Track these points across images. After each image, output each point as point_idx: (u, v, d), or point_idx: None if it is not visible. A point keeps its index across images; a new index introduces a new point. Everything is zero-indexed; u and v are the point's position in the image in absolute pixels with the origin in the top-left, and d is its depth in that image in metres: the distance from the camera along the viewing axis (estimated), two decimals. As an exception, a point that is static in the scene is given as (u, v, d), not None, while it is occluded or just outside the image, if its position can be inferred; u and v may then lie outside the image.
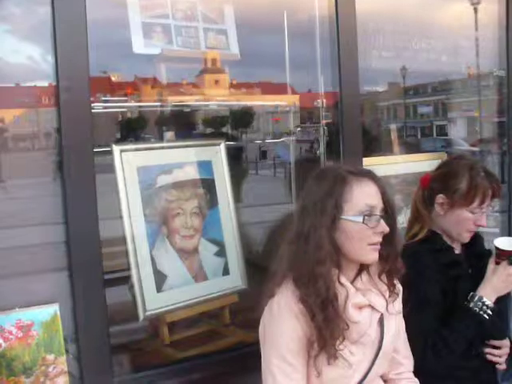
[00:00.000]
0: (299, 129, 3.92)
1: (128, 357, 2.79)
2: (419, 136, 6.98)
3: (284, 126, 4.17)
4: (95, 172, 2.38)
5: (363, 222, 1.93)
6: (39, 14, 2.41)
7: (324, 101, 3.27)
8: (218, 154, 3.09)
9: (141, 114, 4.72)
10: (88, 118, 2.36)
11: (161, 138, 4.19)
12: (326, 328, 1.87)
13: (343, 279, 1.98)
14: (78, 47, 2.35)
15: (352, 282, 2.03)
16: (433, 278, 2.41)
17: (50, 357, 2.29)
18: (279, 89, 4.15)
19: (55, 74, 2.31)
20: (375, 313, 2.04)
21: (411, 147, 5.17)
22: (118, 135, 4.55)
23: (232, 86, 4.19)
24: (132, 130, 4.78)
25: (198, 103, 3.94)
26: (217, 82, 4.04)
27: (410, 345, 2.25)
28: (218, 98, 4.27)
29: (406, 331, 2.23)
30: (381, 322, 2.06)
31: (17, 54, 2.56)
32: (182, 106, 3.82)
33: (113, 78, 4.05)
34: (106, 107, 2.91)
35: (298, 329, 1.91)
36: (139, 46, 2.73)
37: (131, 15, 2.71)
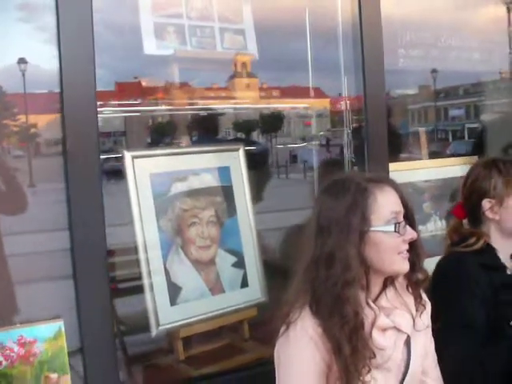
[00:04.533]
0: (322, 133, 3.80)
1: (139, 374, 2.66)
2: (450, 139, 6.88)
3: (316, 130, 4.09)
4: (102, 178, 2.28)
5: (395, 231, 1.78)
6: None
7: (348, 104, 3.11)
8: (236, 160, 2.94)
9: (171, 119, 4.65)
10: (94, 122, 2.24)
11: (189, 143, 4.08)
12: (352, 361, 1.70)
13: (369, 300, 1.83)
14: (83, 50, 2.23)
15: (375, 301, 1.87)
16: (481, 297, 2.23)
17: (54, 376, 2.15)
18: (309, 93, 4.05)
19: (59, 77, 2.20)
20: (401, 334, 1.87)
21: (441, 151, 5.05)
22: (149, 140, 4.49)
23: (262, 89, 4.13)
24: (161, 135, 4.72)
25: (222, 106, 3.84)
26: (248, 86, 3.95)
27: (444, 371, 2.06)
28: (248, 102, 4.16)
29: (440, 353, 2.05)
30: (407, 343, 1.89)
31: (53, 61, 2.48)
32: (202, 109, 3.72)
33: (143, 84, 4.01)
34: (114, 112, 2.79)
35: (317, 356, 1.74)
36: (151, 47, 2.61)
37: (142, 15, 2.59)
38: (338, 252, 1.76)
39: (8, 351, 2.08)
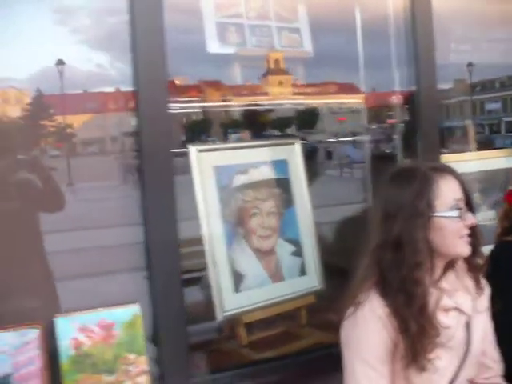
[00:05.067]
0: (374, 126, 3.87)
1: (206, 357, 2.78)
2: (487, 133, 6.86)
3: (352, 126, 4.14)
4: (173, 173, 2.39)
5: (458, 216, 1.89)
6: (110, 24, 2.42)
7: (400, 98, 3.20)
8: (293, 153, 3.06)
9: (206, 117, 4.71)
10: (166, 119, 2.37)
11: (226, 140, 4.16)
12: (419, 339, 1.81)
13: (434, 282, 1.94)
14: (156, 51, 2.37)
15: (437, 283, 1.98)
16: None
17: (131, 356, 2.30)
18: (345, 88, 4.09)
19: (135, 77, 2.34)
20: (462, 315, 1.98)
21: (481, 145, 5.07)
22: (184, 138, 4.57)
23: (296, 86, 4.16)
24: (199, 132, 4.79)
25: (268, 102, 3.92)
26: (280, 83, 4.02)
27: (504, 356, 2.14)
28: (281, 99, 4.21)
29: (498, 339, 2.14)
30: (467, 324, 2.00)
31: (88, 62, 2.59)
32: (257, 106, 3.82)
33: (177, 82, 4.07)
34: (182, 108, 2.90)
35: (384, 334, 1.85)
36: (214, 46, 2.72)
37: (205, 15, 2.71)
38: (405, 236, 1.87)
39: (90, 333, 2.24)
